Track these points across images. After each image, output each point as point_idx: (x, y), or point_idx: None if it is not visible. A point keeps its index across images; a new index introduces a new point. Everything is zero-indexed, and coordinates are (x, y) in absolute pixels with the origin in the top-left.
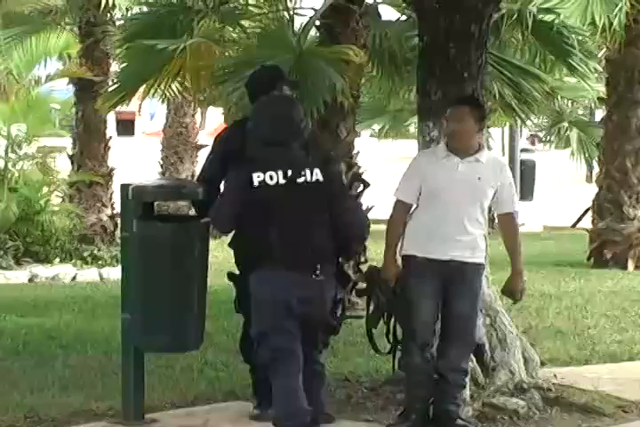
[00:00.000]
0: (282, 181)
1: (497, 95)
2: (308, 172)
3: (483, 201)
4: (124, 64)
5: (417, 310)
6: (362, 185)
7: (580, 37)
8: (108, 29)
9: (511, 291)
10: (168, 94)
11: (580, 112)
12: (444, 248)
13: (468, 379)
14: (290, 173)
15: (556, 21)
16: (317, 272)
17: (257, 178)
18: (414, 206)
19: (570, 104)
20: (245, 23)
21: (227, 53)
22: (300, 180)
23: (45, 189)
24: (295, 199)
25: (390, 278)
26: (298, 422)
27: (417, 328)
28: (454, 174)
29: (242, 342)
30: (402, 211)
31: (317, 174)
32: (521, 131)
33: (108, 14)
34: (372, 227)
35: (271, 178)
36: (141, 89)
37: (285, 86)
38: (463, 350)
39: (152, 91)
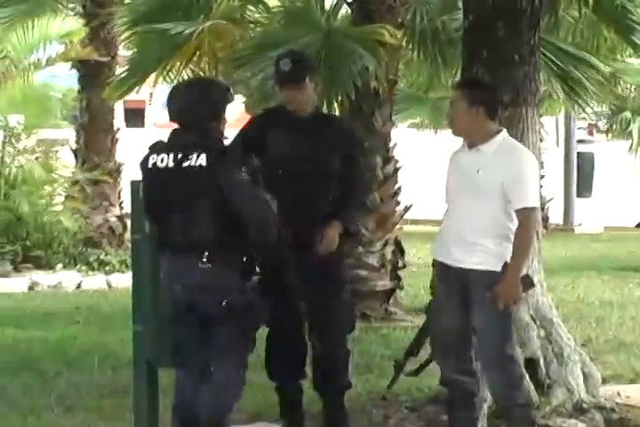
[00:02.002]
0: (170, 164)
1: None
2: (195, 156)
3: (485, 198)
4: (134, 50)
5: (435, 314)
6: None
7: None
8: (114, 10)
9: (496, 294)
10: (182, 80)
11: None
12: (447, 251)
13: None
14: (180, 156)
15: None
16: (204, 259)
17: (152, 160)
18: None
19: (633, 89)
20: (269, 1)
21: (248, 35)
22: (186, 164)
23: (47, 187)
24: (179, 184)
25: None
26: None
27: (436, 335)
28: (457, 168)
29: (267, 357)
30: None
31: (202, 159)
32: (577, 120)
33: None
34: (410, 228)
35: (162, 160)
36: (153, 75)
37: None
38: (496, 376)
39: (164, 76)
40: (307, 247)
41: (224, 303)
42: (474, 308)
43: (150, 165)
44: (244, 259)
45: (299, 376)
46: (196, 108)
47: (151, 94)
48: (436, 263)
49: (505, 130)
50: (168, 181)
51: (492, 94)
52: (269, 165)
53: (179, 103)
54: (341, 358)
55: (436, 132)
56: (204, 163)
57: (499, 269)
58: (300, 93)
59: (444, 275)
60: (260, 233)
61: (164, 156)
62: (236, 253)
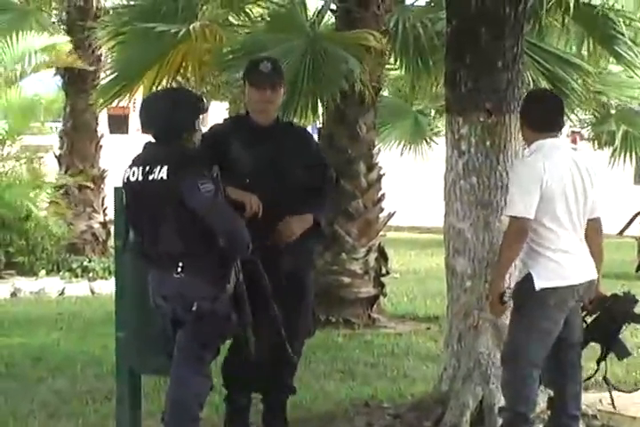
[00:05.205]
0: (140, 177)
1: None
2: (158, 169)
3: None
4: (120, 52)
5: None
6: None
7: (629, 22)
8: (99, 17)
9: None
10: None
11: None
12: None
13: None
14: (147, 169)
15: (601, 3)
16: (179, 270)
17: (126, 173)
18: None
19: (618, 101)
20: (253, 9)
21: (234, 38)
22: (151, 177)
23: (32, 193)
24: (146, 196)
25: None
26: None
27: None
28: None
29: (226, 365)
30: None
31: (163, 172)
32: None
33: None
34: (394, 235)
35: (133, 174)
36: (139, 83)
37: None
38: (504, 375)
39: (154, 85)
40: (276, 257)
41: (194, 308)
42: None
43: (125, 179)
44: (219, 269)
45: (253, 387)
46: (166, 121)
47: (135, 101)
48: None
49: (543, 141)
50: (138, 194)
51: (528, 104)
52: (235, 175)
53: (150, 115)
54: (294, 363)
55: (415, 152)
56: (165, 176)
57: (528, 276)
58: (275, 97)
59: None
60: (228, 243)
61: (135, 169)
62: (211, 263)
